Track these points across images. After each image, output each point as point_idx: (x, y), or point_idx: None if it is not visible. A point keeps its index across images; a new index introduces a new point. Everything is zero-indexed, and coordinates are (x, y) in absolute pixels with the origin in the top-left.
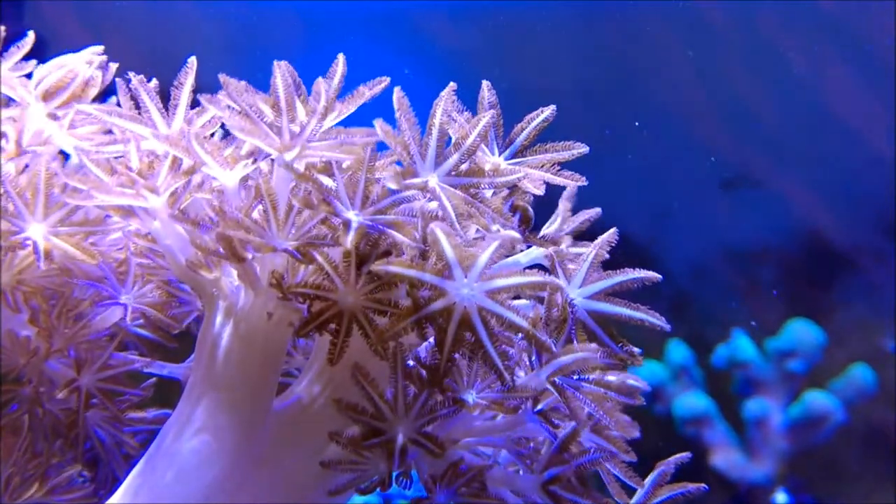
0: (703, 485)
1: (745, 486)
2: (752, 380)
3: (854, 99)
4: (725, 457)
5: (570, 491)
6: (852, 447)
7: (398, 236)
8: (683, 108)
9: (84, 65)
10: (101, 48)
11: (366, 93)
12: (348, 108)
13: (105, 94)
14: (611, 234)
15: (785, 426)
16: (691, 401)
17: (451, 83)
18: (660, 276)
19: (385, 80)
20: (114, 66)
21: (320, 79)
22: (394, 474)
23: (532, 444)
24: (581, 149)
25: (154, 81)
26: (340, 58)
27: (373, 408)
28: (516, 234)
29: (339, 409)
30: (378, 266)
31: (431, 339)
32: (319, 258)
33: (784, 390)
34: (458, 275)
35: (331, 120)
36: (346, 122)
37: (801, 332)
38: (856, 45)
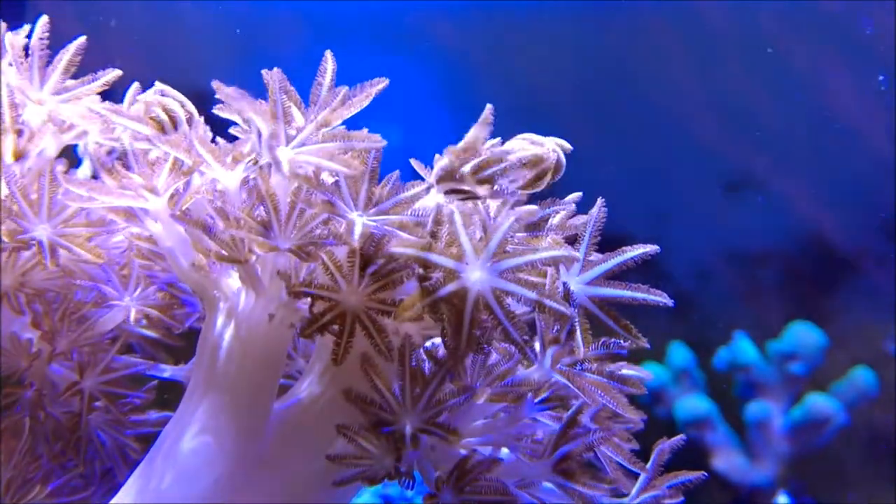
0: (702, 472)
1: (747, 489)
2: (753, 382)
3: (855, 100)
4: (727, 459)
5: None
6: (854, 450)
7: (404, 236)
8: (684, 109)
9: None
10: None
11: (370, 93)
12: (349, 110)
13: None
14: (599, 209)
15: (786, 429)
16: (693, 403)
17: (489, 105)
18: (658, 248)
19: (384, 81)
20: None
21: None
22: (400, 469)
23: (529, 440)
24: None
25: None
26: (328, 55)
27: (381, 399)
28: (533, 207)
29: (347, 399)
30: (389, 247)
31: (433, 341)
32: (324, 256)
33: (785, 393)
34: (471, 256)
35: (333, 121)
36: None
37: (802, 335)
38: (856, 44)
